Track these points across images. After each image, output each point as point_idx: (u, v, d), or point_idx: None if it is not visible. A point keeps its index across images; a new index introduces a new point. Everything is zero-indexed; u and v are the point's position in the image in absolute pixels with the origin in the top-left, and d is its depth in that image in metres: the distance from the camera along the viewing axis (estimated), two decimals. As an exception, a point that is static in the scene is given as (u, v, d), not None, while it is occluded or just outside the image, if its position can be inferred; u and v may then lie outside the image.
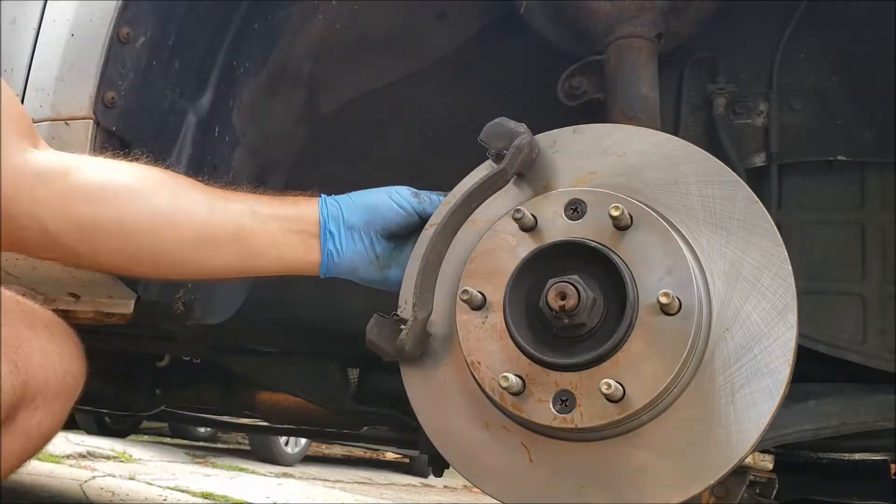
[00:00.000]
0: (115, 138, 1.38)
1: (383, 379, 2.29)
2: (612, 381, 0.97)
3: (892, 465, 2.01)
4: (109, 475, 4.61)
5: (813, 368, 1.56)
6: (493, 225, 1.12)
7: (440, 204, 1.23)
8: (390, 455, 9.67)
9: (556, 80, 1.53)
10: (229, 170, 1.64)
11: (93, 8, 1.39)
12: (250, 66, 1.67)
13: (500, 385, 1.03)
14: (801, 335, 1.05)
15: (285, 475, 6.44)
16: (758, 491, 1.52)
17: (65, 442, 5.35)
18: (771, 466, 1.50)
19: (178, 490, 4.47)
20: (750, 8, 1.61)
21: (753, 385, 0.99)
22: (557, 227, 1.08)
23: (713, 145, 1.56)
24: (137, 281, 1.46)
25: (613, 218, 1.03)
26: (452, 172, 1.22)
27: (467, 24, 1.72)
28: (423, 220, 1.23)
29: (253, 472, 6.15)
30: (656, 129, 1.30)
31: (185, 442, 7.96)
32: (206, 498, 4.36)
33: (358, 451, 10.03)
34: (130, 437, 7.16)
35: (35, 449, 1.18)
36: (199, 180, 1.22)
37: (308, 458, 8.00)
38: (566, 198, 1.09)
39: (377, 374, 2.31)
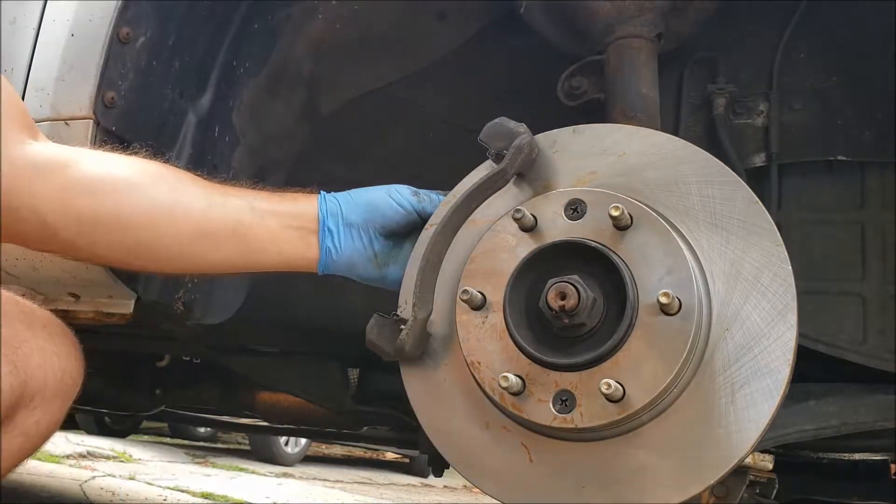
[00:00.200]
0: (115, 138, 1.38)
1: (383, 379, 2.29)
2: (612, 381, 0.97)
3: (892, 465, 2.01)
4: (109, 475, 4.61)
5: (813, 368, 1.56)
6: (493, 225, 1.12)
7: (440, 203, 1.22)
8: (390, 455, 9.67)
9: (555, 80, 1.52)
10: (229, 170, 1.64)
11: (93, 8, 1.39)
12: (250, 66, 1.67)
13: (500, 385, 1.03)
14: (801, 335, 1.05)
15: (285, 475, 6.44)
16: (758, 491, 1.52)
17: (65, 442, 5.35)
18: (771, 466, 1.51)
19: (178, 490, 4.47)
20: (750, 8, 1.61)
21: (753, 385, 0.99)
22: (557, 227, 1.08)
23: (713, 145, 1.56)
24: (137, 281, 1.46)
25: (613, 218, 1.03)
26: (452, 172, 1.22)
27: (467, 25, 1.72)
28: (422, 218, 1.23)
29: (253, 472, 6.15)
30: (656, 129, 1.30)
31: (185, 442, 7.96)
32: (206, 498, 4.36)
33: (358, 451, 10.03)
34: (130, 437, 7.17)
35: (33, 448, 1.18)
36: (198, 175, 1.22)
37: (308, 458, 8.00)
38: (566, 198, 1.09)
39: (377, 374, 2.31)
